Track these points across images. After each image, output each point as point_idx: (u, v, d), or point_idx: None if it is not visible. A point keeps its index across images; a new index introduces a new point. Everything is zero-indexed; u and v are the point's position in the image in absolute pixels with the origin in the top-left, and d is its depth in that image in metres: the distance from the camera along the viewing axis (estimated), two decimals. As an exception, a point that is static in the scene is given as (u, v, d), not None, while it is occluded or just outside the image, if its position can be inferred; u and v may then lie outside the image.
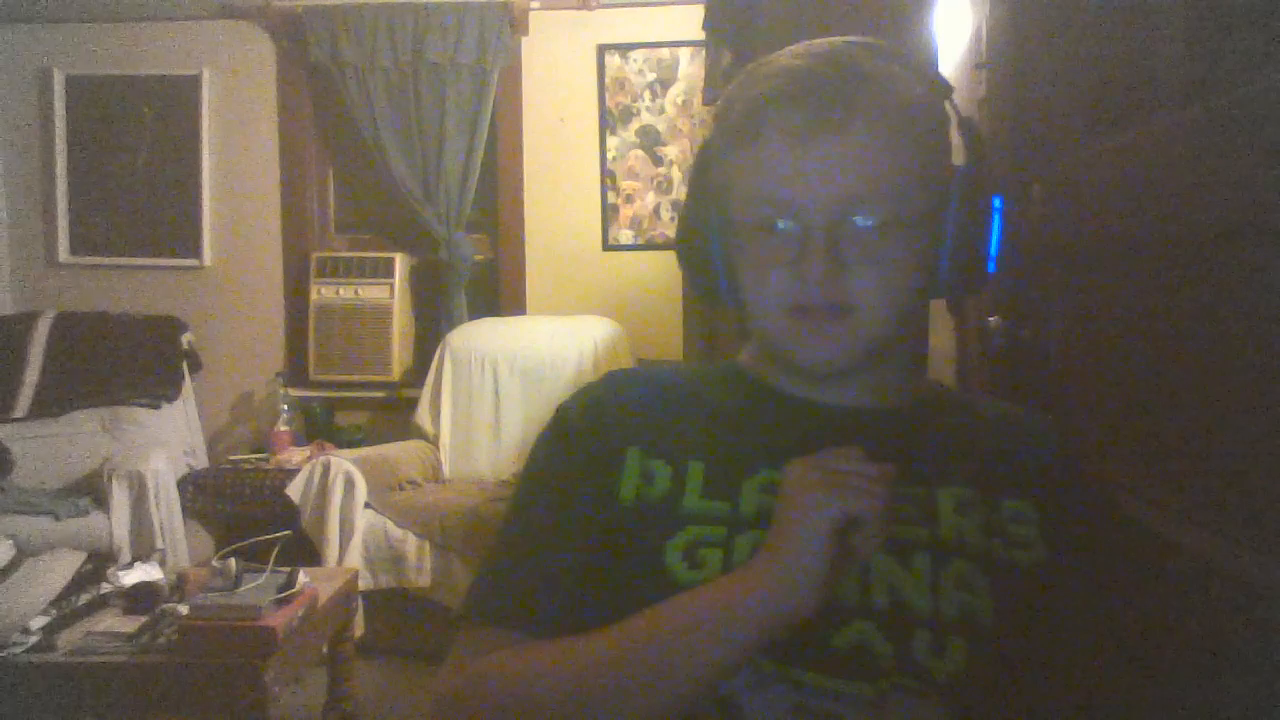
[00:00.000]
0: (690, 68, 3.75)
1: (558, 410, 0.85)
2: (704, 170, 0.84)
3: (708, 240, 0.82)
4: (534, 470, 0.84)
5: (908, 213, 0.74)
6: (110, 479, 3.09)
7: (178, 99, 3.87)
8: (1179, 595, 0.77)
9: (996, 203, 0.79)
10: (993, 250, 0.80)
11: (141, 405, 3.52)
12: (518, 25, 3.76)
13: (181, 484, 3.32)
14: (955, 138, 0.82)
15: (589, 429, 0.81)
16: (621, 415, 0.81)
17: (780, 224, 0.75)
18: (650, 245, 3.82)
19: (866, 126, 0.72)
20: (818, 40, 0.78)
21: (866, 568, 0.73)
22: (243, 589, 2.03)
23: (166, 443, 3.44)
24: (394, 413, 3.79)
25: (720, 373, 0.88)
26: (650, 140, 3.81)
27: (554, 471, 0.82)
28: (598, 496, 0.78)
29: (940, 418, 0.84)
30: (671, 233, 3.71)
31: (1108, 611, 0.76)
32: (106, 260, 3.93)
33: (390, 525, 3.00)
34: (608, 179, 3.84)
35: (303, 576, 2.16)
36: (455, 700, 0.75)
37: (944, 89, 0.80)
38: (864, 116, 0.72)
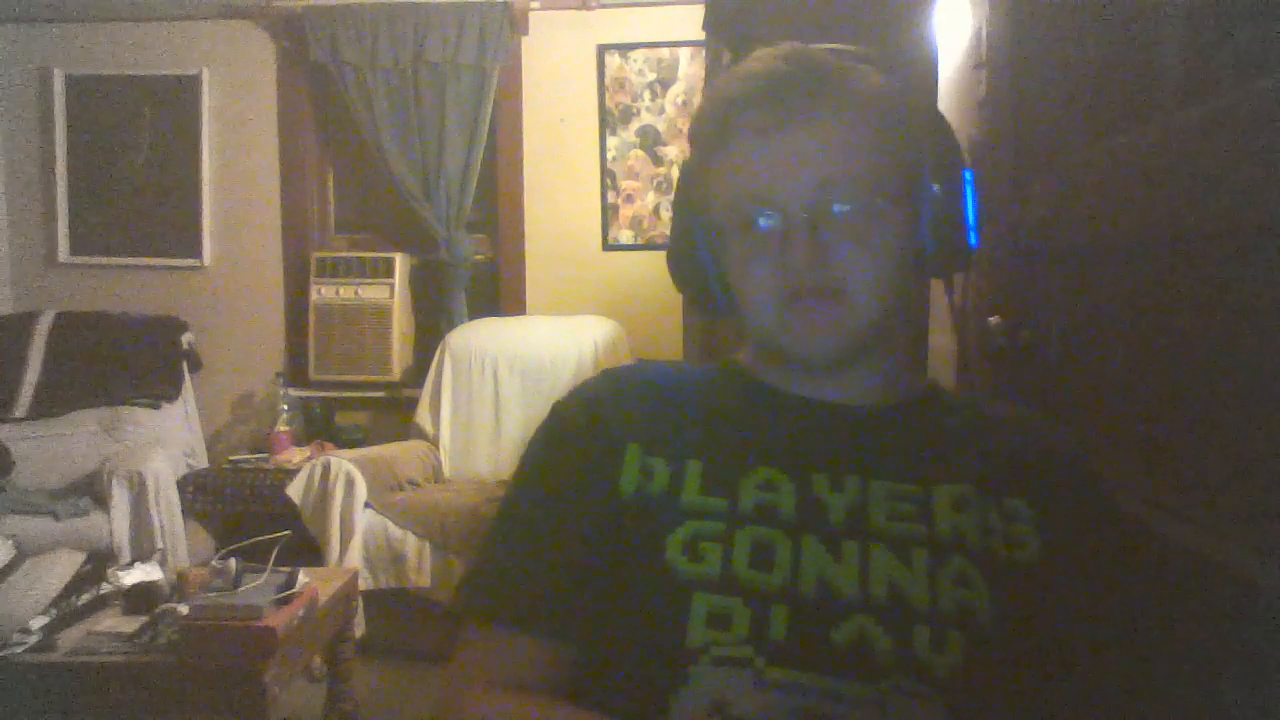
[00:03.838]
0: (690, 68, 3.75)
1: (554, 408, 0.86)
2: (686, 184, 0.87)
3: (696, 250, 0.85)
4: (530, 467, 0.84)
5: (883, 195, 0.77)
6: (110, 479, 3.09)
7: (178, 99, 3.87)
8: (1178, 595, 0.77)
9: (967, 175, 0.82)
10: (970, 223, 0.82)
11: (141, 405, 3.52)
12: (518, 25, 3.76)
13: (181, 484, 3.32)
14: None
15: (588, 425, 0.82)
16: (621, 411, 0.82)
17: (762, 220, 0.78)
18: (650, 245, 3.82)
19: (832, 116, 0.76)
20: (777, 46, 0.81)
21: (864, 561, 0.73)
22: (243, 589, 2.03)
23: (166, 443, 3.44)
24: (394, 413, 3.79)
25: (718, 372, 0.90)
26: (650, 140, 3.81)
27: (552, 468, 0.82)
28: (597, 491, 0.78)
29: (938, 415, 0.84)
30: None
31: (1106, 611, 0.75)
32: (106, 260, 3.93)
33: (390, 525, 3.00)
34: (608, 179, 3.84)
35: (303, 576, 2.15)
36: None
37: (903, 81, 0.83)
38: (828, 107, 0.76)
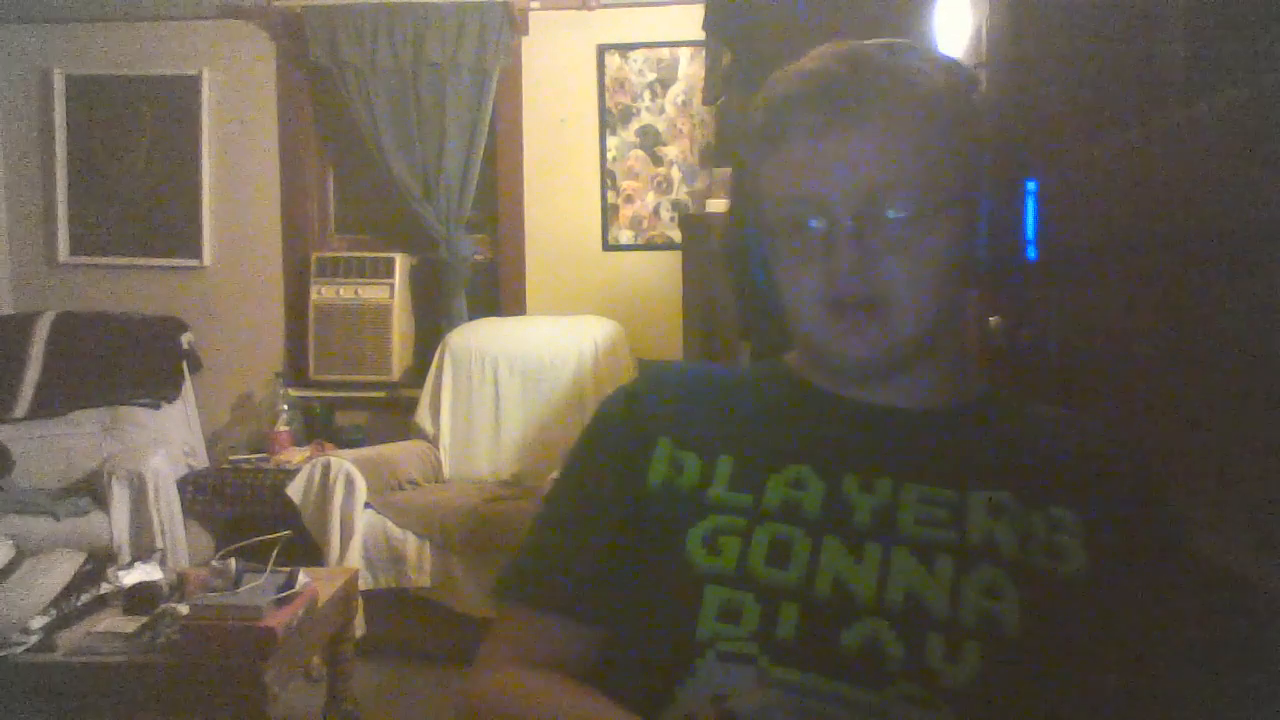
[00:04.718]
0: (690, 68, 3.75)
1: (600, 404, 0.89)
2: (738, 181, 0.88)
3: (748, 248, 0.84)
4: (572, 460, 0.87)
5: (937, 201, 0.75)
6: (110, 479, 3.09)
7: (178, 99, 3.87)
8: (1223, 618, 0.74)
9: (1031, 186, 0.79)
10: (1029, 235, 0.79)
11: (141, 405, 3.52)
12: (518, 25, 3.75)
13: (181, 484, 3.32)
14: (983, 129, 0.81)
15: (625, 420, 0.84)
16: (656, 407, 0.84)
17: (810, 221, 0.76)
18: (650, 245, 3.82)
19: (886, 119, 0.74)
20: (834, 43, 0.79)
21: (885, 564, 0.71)
22: (243, 589, 2.03)
23: (166, 443, 3.44)
24: (394, 413, 3.79)
25: (763, 371, 0.90)
26: (650, 140, 3.81)
27: (589, 461, 0.85)
28: (627, 481, 0.80)
29: (985, 420, 0.82)
30: (671, 233, 3.72)
31: (1149, 629, 0.71)
32: (106, 260, 3.93)
33: (390, 525, 3.00)
34: (608, 179, 3.84)
35: (303, 576, 2.15)
36: (464, 707, 0.79)
37: (967, 79, 0.80)
38: (883, 109, 0.74)
